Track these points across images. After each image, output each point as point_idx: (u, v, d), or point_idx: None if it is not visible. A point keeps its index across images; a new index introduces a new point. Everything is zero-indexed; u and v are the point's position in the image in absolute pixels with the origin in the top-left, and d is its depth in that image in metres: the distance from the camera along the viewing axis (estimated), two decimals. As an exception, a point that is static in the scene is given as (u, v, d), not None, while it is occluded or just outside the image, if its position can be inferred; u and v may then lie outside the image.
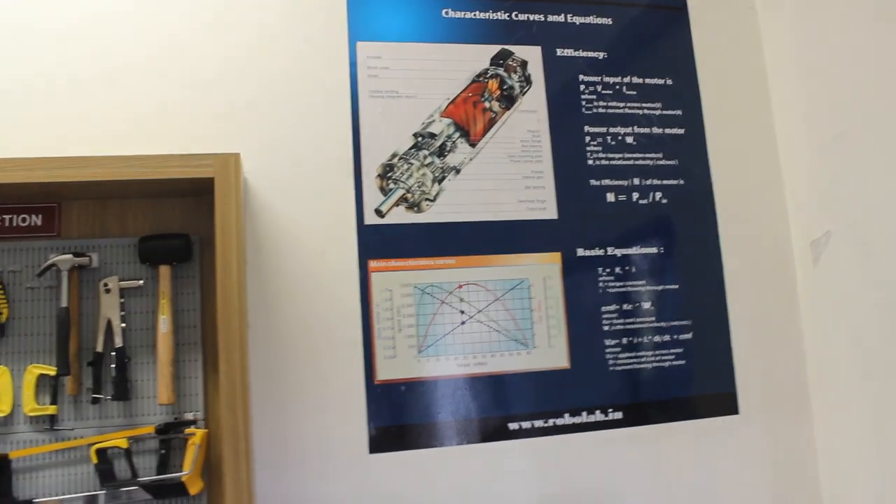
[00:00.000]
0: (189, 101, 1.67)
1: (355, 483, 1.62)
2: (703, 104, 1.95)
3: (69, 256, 1.54)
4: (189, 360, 1.57)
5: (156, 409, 1.55)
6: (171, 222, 1.61)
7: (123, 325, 1.55)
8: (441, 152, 1.76)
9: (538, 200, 1.79)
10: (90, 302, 1.56)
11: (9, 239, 1.57)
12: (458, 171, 1.76)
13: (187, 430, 1.53)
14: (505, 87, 1.82)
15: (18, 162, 1.46)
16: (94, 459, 1.50)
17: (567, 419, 1.74)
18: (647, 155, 1.88)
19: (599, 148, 1.85)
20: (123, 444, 1.51)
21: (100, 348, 1.54)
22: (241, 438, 1.44)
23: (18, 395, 1.52)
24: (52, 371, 1.52)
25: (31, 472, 1.51)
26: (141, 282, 1.57)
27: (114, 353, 1.54)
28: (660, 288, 1.83)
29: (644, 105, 1.90)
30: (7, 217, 1.58)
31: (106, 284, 1.56)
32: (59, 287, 1.54)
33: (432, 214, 1.73)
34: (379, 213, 1.70)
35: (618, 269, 1.81)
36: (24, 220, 1.58)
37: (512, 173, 1.78)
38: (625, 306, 1.81)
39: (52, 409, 1.52)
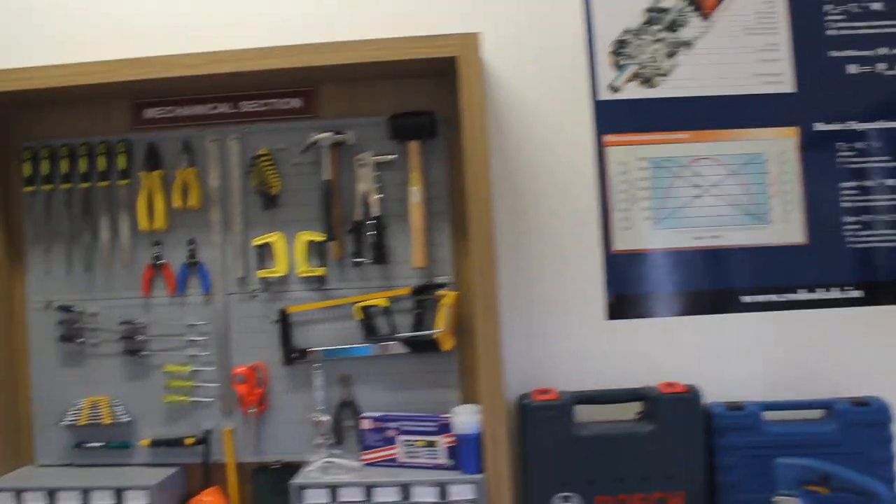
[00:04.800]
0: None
1: (593, 347, 1.71)
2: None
3: (329, 134, 1.68)
4: (438, 229, 1.69)
5: (409, 273, 1.68)
6: (415, 102, 1.71)
7: (379, 196, 1.68)
8: (672, 27, 1.74)
9: (773, 74, 1.74)
10: (347, 176, 1.70)
11: (274, 120, 1.73)
12: (690, 46, 1.74)
13: (439, 292, 1.65)
14: (740, -44, 1.76)
15: (279, 50, 1.59)
16: (360, 315, 1.66)
17: (802, 295, 1.72)
18: (897, 22, 1.76)
19: (842, 16, 1.76)
20: (384, 303, 1.66)
21: (358, 217, 1.68)
22: (491, 300, 1.54)
23: (291, 259, 1.70)
24: (319, 237, 1.68)
25: (305, 326, 1.70)
26: (394, 156, 1.68)
27: (371, 222, 1.67)
28: (905, 163, 1.75)
29: (895, -33, 1.77)
30: (272, 101, 1.74)
31: (361, 159, 1.69)
32: (320, 162, 1.68)
33: (665, 89, 1.73)
34: (613, 88, 1.73)
35: (858, 145, 1.74)
36: (286, 103, 1.74)
37: (746, 46, 1.74)
38: (865, 182, 1.74)
39: (320, 271, 1.68)
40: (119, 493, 1.61)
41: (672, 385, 1.62)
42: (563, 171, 1.72)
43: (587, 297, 1.71)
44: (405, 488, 1.55)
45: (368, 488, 1.56)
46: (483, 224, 1.54)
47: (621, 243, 1.71)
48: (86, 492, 1.62)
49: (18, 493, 1.63)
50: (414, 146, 1.67)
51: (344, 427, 1.69)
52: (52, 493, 1.62)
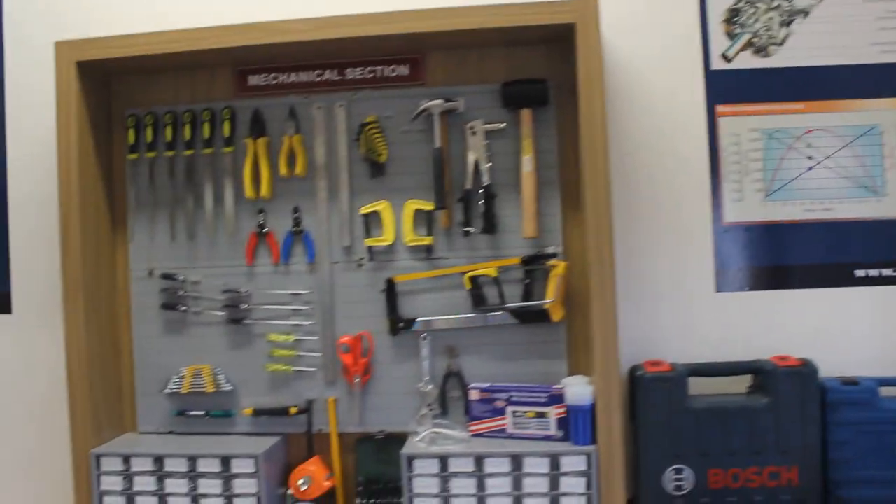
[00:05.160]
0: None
1: (702, 319, 1.69)
2: None
3: (440, 101, 1.65)
4: (548, 198, 1.66)
5: (519, 243, 1.66)
6: (526, 70, 1.68)
7: (489, 164, 1.65)
8: (787, -5, 1.71)
9: (893, 42, 1.70)
10: (456, 145, 1.68)
11: (381, 88, 1.71)
12: (805, 14, 1.70)
13: (549, 262, 1.63)
14: (857, -79, 1.71)
15: (386, 16, 1.56)
16: (468, 285, 1.64)
17: (917, 270, 1.69)
18: None
19: (965, -19, 1.71)
20: (493, 272, 1.64)
21: (468, 186, 1.66)
22: (607, 271, 1.52)
23: (399, 227, 1.68)
24: (427, 206, 1.66)
25: (412, 295, 1.69)
26: (504, 124, 1.66)
27: (481, 191, 1.65)
28: None
29: None
30: (378, 68, 1.71)
31: (472, 127, 1.66)
32: (431, 130, 1.66)
33: (780, 59, 1.70)
34: (726, 58, 1.69)
35: (978, 115, 1.70)
36: (393, 70, 1.71)
37: (864, 14, 1.70)
38: (984, 154, 1.70)
39: (428, 240, 1.67)
40: (226, 460, 1.61)
41: (785, 359, 1.59)
42: (674, 141, 1.70)
43: (697, 269, 1.69)
44: (516, 459, 1.54)
45: (479, 459, 1.55)
46: (600, 195, 1.52)
47: (732, 215, 1.69)
48: (192, 459, 1.62)
49: (126, 458, 1.63)
50: (526, 114, 1.64)
51: (449, 398, 1.68)
52: (158, 460, 1.62)
